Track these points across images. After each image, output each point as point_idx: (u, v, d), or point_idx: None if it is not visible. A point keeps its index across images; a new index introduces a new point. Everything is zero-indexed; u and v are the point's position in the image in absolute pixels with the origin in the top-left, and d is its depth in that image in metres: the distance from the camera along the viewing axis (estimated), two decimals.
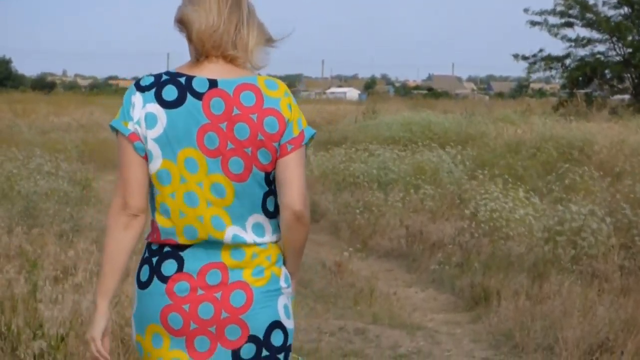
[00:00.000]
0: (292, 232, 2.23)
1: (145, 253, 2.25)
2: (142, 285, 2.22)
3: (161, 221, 2.19)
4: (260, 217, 2.22)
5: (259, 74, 2.25)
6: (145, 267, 2.22)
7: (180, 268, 2.18)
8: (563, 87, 30.66)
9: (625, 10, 27.25)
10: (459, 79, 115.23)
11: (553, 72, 28.64)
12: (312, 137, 2.26)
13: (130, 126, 2.17)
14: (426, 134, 15.79)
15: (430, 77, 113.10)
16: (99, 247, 5.88)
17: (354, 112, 28.01)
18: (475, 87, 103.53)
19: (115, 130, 2.20)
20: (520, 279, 6.16)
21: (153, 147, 2.16)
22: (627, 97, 28.32)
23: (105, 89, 61.82)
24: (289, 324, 2.27)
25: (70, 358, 3.92)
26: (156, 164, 2.17)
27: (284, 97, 2.21)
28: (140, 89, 2.20)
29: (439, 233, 8.08)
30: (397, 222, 8.74)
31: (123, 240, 2.20)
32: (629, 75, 27.55)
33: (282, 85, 2.24)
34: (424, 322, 5.96)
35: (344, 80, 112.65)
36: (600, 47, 27.85)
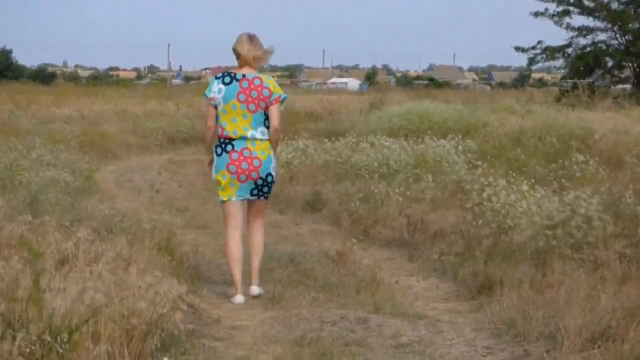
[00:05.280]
0: (273, 135, 6.00)
1: (217, 142, 5.99)
2: (218, 155, 5.98)
3: (223, 129, 5.95)
4: (263, 128, 5.97)
5: (263, 73, 6.10)
6: (219, 147, 5.98)
7: (233, 148, 5.94)
8: (564, 77, 30.55)
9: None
10: (460, 69, 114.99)
11: (555, 62, 28.49)
12: (285, 98, 6.02)
13: (211, 94, 5.97)
14: (427, 124, 15.74)
15: (431, 67, 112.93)
16: (100, 237, 5.89)
17: (355, 102, 27.96)
18: (476, 77, 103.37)
19: (205, 95, 6.04)
20: (523, 267, 6.15)
21: (220, 100, 5.93)
22: (628, 86, 28.21)
23: (106, 80, 61.61)
24: (274, 172, 6.09)
25: (80, 352, 3.94)
26: (221, 107, 5.95)
27: (271, 82, 6.01)
28: (217, 78, 6.02)
29: (440, 222, 8.06)
30: (397, 212, 8.71)
31: (211, 134, 6.06)
32: (630, 64, 27.44)
33: (271, 79, 6.04)
34: (425, 311, 5.96)
35: (345, 71, 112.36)
36: (602, 36, 27.72)
